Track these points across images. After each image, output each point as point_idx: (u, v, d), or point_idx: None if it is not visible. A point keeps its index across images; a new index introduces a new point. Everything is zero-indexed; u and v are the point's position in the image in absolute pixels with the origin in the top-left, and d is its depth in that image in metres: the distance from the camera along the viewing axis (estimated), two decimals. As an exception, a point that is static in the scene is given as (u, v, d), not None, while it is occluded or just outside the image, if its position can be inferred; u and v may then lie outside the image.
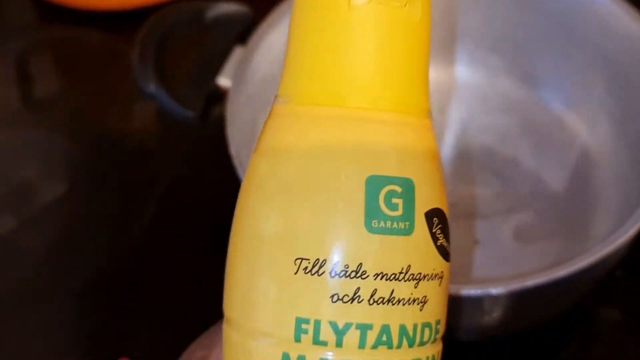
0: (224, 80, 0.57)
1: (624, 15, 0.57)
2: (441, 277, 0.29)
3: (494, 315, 0.49)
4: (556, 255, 0.57)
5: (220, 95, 0.56)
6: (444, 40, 0.67)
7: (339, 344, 0.27)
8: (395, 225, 0.27)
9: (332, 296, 0.27)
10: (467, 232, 0.59)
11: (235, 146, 0.51)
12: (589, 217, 0.59)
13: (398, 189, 0.28)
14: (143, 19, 0.60)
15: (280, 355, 0.27)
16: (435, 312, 0.29)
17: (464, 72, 0.68)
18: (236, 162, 0.50)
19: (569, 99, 0.64)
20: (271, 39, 0.58)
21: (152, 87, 0.55)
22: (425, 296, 0.28)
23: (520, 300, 0.46)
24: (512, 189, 0.61)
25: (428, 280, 0.28)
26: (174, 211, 0.63)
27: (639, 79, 0.56)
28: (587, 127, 0.63)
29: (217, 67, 0.57)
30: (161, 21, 0.58)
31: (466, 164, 0.63)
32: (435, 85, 0.31)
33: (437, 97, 0.65)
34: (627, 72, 0.57)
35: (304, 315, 0.27)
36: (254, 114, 0.56)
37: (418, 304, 0.28)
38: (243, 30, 0.59)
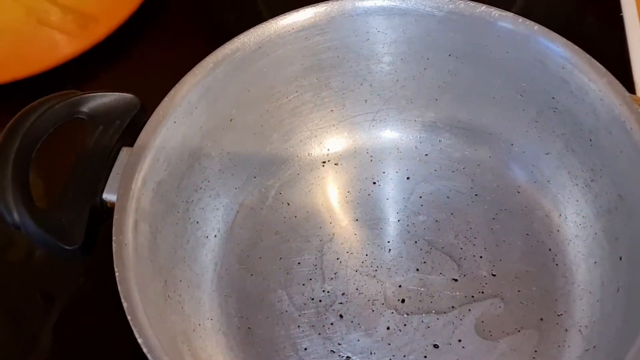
0: (110, 195, 0.46)
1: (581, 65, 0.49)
2: None
3: None
4: (531, 353, 0.48)
5: (107, 213, 0.46)
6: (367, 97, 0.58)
7: None
8: None
9: None
10: (423, 335, 0.50)
11: (126, 293, 0.40)
12: (560, 298, 0.50)
13: None
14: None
15: None
16: None
17: (395, 133, 0.59)
18: (129, 314, 0.40)
19: (522, 157, 0.56)
20: (166, 134, 0.48)
21: (14, 216, 0.44)
22: None
23: None
24: (469, 272, 0.52)
25: None
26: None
27: (605, 138, 0.48)
28: (546, 190, 0.54)
29: (99, 177, 0.46)
30: (23, 122, 0.47)
31: (411, 244, 0.54)
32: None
33: (367, 166, 0.58)
34: (590, 128, 0.49)
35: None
36: (148, 235, 0.46)
37: None
38: (129, 126, 0.48)
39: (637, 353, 0.36)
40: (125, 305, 0.40)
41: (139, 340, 0.38)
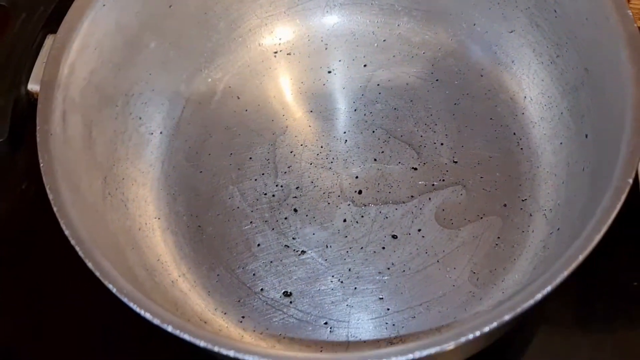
0: (35, 85, 0.42)
1: None
2: None
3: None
4: (494, 240, 0.46)
5: (33, 105, 0.42)
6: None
7: None
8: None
9: None
10: (381, 225, 0.48)
11: (52, 184, 0.37)
12: (524, 183, 0.48)
13: None
14: None
15: None
16: None
17: (351, 18, 0.55)
18: (54, 205, 0.37)
19: (484, 38, 0.52)
20: (95, 19, 0.44)
21: None
22: None
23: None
24: (429, 160, 0.50)
25: None
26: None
27: (570, 6, 0.44)
28: (510, 71, 0.51)
29: (22, 67, 0.42)
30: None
31: (369, 134, 0.51)
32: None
33: (321, 55, 0.54)
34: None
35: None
36: (81, 127, 0.42)
37: None
38: (54, 12, 0.44)
39: (596, 224, 0.34)
40: (51, 196, 0.37)
41: (66, 232, 0.36)
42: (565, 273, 0.32)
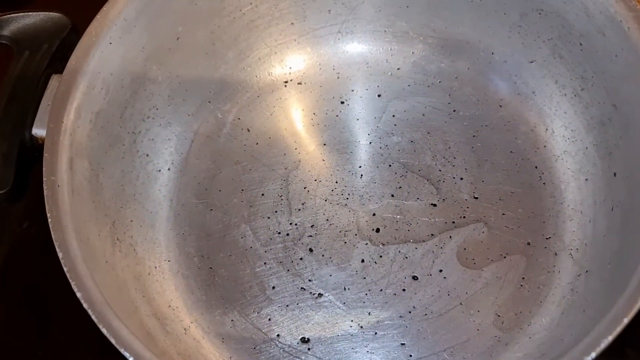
0: (40, 130, 0.40)
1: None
2: None
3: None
4: (518, 280, 0.45)
5: (39, 151, 0.40)
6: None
7: None
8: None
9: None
10: (401, 266, 0.46)
11: (61, 241, 0.35)
12: (548, 220, 0.46)
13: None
14: None
15: None
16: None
17: (363, 46, 0.53)
18: (65, 265, 0.35)
19: (503, 67, 0.50)
20: (102, 57, 0.42)
21: None
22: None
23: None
24: (448, 196, 0.48)
25: None
26: None
27: (597, 41, 0.42)
28: (531, 102, 0.49)
29: (27, 110, 0.40)
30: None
31: (385, 168, 0.49)
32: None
33: (334, 84, 0.52)
34: (580, 30, 0.44)
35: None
36: (88, 173, 0.40)
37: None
38: (59, 50, 0.42)
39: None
40: (60, 255, 0.35)
41: (78, 295, 0.34)
42: (610, 338, 0.31)
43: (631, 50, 0.39)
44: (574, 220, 0.46)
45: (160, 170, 0.49)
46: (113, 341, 0.32)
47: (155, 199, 0.48)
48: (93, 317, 0.33)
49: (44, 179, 0.37)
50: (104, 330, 0.33)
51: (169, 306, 0.45)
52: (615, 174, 0.43)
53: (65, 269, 0.34)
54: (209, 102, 0.51)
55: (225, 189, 0.49)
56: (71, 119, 0.40)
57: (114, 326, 0.34)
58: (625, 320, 0.31)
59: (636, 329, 0.44)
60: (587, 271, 0.43)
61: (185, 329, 0.44)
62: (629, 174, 0.41)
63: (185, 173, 0.50)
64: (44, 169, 0.38)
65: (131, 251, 0.44)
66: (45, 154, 0.38)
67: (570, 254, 0.45)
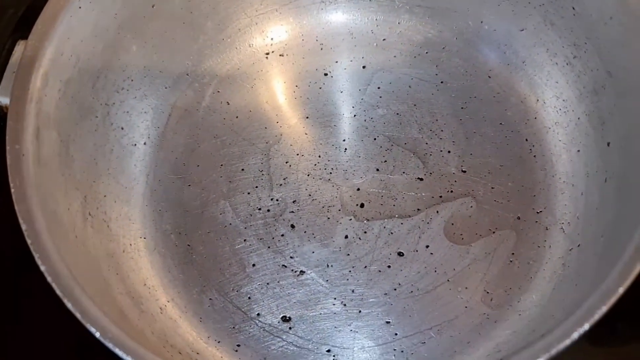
0: (5, 98, 0.38)
1: None
2: None
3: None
4: (508, 256, 0.43)
5: (2, 120, 0.38)
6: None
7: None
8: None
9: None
10: (386, 242, 0.44)
11: (25, 213, 0.33)
12: (539, 194, 0.45)
13: None
14: None
15: None
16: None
17: (348, 16, 0.51)
18: (28, 238, 0.33)
19: (492, 36, 0.48)
20: (70, 23, 0.40)
21: None
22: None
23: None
24: (435, 170, 0.46)
25: None
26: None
27: (591, 4, 0.41)
28: (521, 73, 0.47)
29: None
30: None
31: (370, 142, 0.47)
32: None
33: (317, 56, 0.50)
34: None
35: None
36: (57, 145, 0.38)
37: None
38: (25, 15, 0.40)
39: (636, 251, 0.31)
40: (24, 227, 0.33)
41: (42, 268, 0.32)
42: (604, 308, 0.29)
43: (627, 12, 0.37)
44: (565, 193, 0.44)
45: (135, 145, 0.47)
46: (79, 316, 0.31)
47: (130, 174, 0.46)
48: (57, 291, 0.31)
49: (7, 147, 0.35)
50: (69, 305, 0.31)
51: (145, 285, 0.43)
52: (608, 144, 0.41)
53: (28, 242, 0.33)
54: (187, 74, 0.49)
55: (203, 164, 0.47)
56: (38, 87, 0.38)
57: (81, 301, 0.32)
58: (620, 290, 0.29)
59: (626, 303, 0.43)
60: (579, 245, 0.41)
61: (161, 308, 0.42)
62: (624, 142, 0.39)
63: (162, 147, 0.48)
64: (7, 137, 0.36)
65: (104, 227, 0.42)
66: (9, 122, 0.36)
67: (562, 228, 0.43)
